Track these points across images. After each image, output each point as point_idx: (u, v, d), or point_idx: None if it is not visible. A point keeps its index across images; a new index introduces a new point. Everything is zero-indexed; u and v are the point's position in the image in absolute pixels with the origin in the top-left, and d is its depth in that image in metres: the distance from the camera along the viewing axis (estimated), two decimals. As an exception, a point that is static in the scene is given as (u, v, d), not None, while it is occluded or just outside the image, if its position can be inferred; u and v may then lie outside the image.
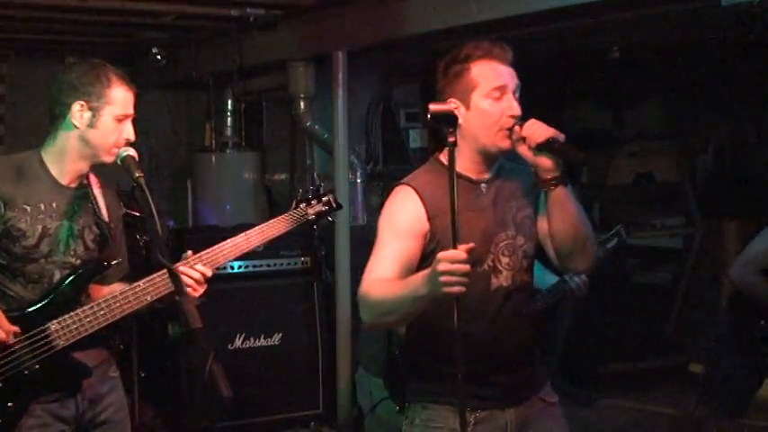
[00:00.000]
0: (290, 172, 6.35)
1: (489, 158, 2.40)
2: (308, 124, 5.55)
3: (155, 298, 2.63)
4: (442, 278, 2.05)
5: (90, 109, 2.59)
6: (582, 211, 2.37)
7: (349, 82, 4.89)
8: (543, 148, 2.24)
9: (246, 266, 4.92)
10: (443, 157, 2.43)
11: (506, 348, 2.40)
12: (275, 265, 5.02)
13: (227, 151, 6.28)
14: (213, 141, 6.42)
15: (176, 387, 4.87)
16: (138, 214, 3.06)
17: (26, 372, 2.50)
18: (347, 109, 4.94)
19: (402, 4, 4.38)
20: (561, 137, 2.24)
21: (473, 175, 2.40)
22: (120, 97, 2.63)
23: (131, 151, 2.65)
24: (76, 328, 2.53)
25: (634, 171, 7.36)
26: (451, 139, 2.19)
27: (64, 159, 2.63)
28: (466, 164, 2.39)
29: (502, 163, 2.45)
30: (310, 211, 2.95)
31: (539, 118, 2.31)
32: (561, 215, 2.33)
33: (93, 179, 2.75)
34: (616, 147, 7.09)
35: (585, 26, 4.33)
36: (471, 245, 2.13)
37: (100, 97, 2.60)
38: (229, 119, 6.39)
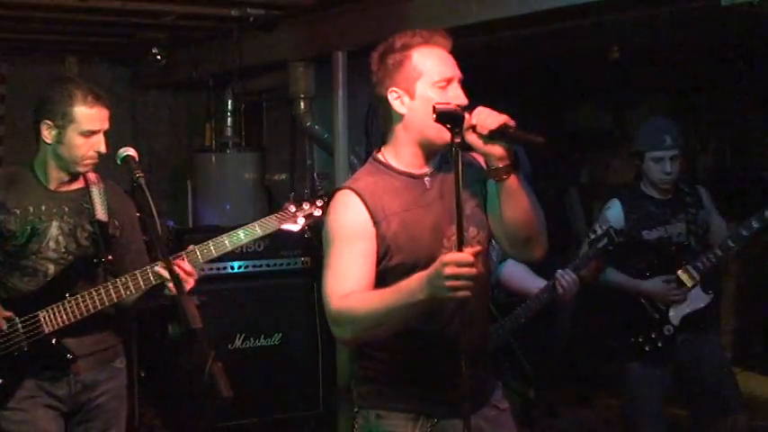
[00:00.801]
0: (290, 172, 6.35)
1: (431, 151, 2.31)
2: (307, 124, 5.56)
3: (135, 292, 2.83)
4: (449, 282, 1.97)
5: (56, 127, 2.81)
6: (534, 198, 2.28)
7: (349, 82, 4.89)
8: (496, 135, 2.13)
9: (246, 266, 4.92)
10: (382, 156, 2.37)
11: (465, 349, 2.25)
12: (275, 265, 5.02)
13: (227, 151, 6.28)
14: (213, 141, 6.43)
15: (176, 387, 4.87)
16: (138, 214, 3.11)
17: (16, 353, 2.80)
18: (347, 109, 4.94)
19: (402, 4, 4.39)
20: (512, 122, 2.14)
21: (415, 170, 2.33)
22: (83, 115, 2.78)
23: (131, 151, 2.77)
24: (61, 317, 2.80)
25: (634, 171, 7.37)
26: (458, 140, 2.11)
27: (46, 169, 2.88)
28: (407, 159, 2.32)
29: (443, 154, 2.33)
30: (299, 213, 2.96)
31: (524, 117, 2.26)
32: (515, 204, 2.23)
33: (93, 180, 2.89)
34: (616, 147, 7.09)
35: (585, 26, 4.33)
36: (478, 248, 2.08)
37: (64, 116, 2.79)
38: (229, 119, 6.38)
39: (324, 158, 5.86)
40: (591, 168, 7.56)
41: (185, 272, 2.74)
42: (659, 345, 3.83)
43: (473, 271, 1.99)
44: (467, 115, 2.16)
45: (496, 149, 2.17)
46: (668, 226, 3.90)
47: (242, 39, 5.57)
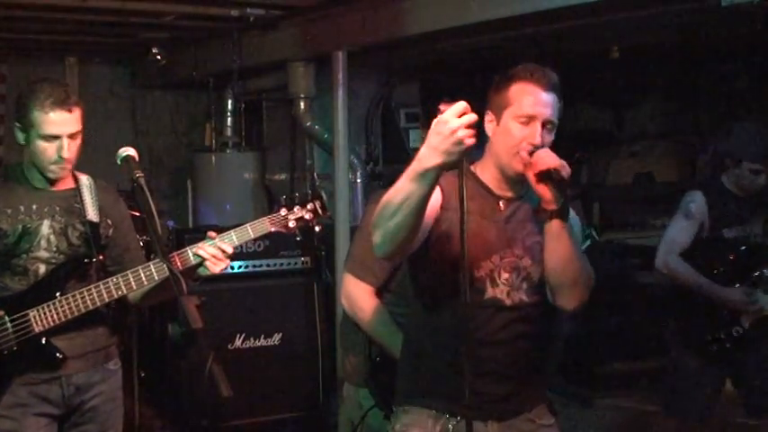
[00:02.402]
0: (290, 172, 6.35)
1: (508, 178, 2.38)
2: (308, 124, 5.56)
3: (126, 292, 2.81)
4: (461, 133, 1.97)
5: (22, 130, 2.79)
6: (578, 250, 2.34)
7: (349, 82, 4.89)
8: (543, 177, 2.23)
9: (246, 266, 4.91)
10: (473, 167, 2.42)
11: (494, 359, 2.36)
12: (275, 265, 5.01)
13: (227, 151, 6.28)
14: (213, 141, 6.43)
15: (176, 387, 4.87)
16: (137, 214, 3.09)
17: (5, 351, 2.76)
18: (347, 109, 4.94)
19: (402, 4, 4.39)
20: (566, 171, 2.21)
21: (495, 189, 2.40)
22: (42, 120, 2.74)
23: (131, 151, 2.77)
24: (52, 317, 2.77)
25: (634, 171, 7.37)
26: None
27: (31, 170, 2.86)
28: (489, 177, 2.40)
29: (528, 189, 2.37)
30: (291, 216, 2.95)
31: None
32: (554, 247, 2.31)
33: (83, 180, 2.91)
34: (616, 147, 7.10)
35: (585, 26, 4.33)
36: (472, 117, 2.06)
37: (26, 121, 2.77)
38: (229, 119, 6.39)
39: (324, 158, 5.86)
40: (591, 168, 7.56)
41: (223, 252, 2.80)
42: (727, 346, 3.77)
43: (473, 118, 2.01)
44: (527, 154, 2.26)
45: (544, 191, 2.24)
46: (747, 225, 3.83)
47: (242, 39, 5.57)
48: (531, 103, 2.30)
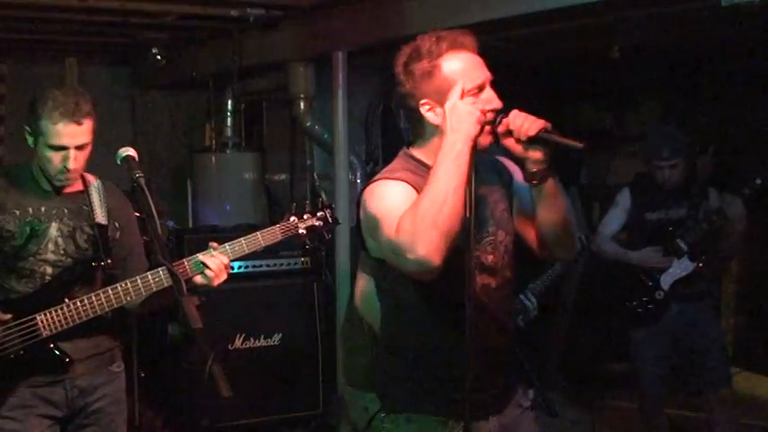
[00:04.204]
0: (290, 172, 6.36)
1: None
2: (308, 124, 5.56)
3: (135, 298, 2.79)
4: (474, 108, 2.02)
5: (31, 134, 2.79)
6: (567, 198, 2.28)
7: (349, 82, 4.89)
8: (536, 140, 2.11)
9: (246, 266, 4.92)
10: (416, 152, 2.29)
11: (492, 350, 2.28)
12: (275, 265, 5.02)
13: (227, 151, 6.28)
14: (213, 141, 6.43)
15: (176, 387, 4.87)
16: (137, 214, 3.08)
17: (12, 356, 2.74)
18: (347, 109, 4.94)
19: (402, 4, 4.39)
20: (550, 125, 2.12)
21: None
22: (50, 130, 2.72)
23: (131, 151, 2.75)
24: (59, 321, 2.75)
25: (634, 171, 7.36)
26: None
27: (39, 173, 2.85)
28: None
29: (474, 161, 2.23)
30: (301, 225, 2.92)
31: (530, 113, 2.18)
32: (551, 206, 2.23)
33: (92, 182, 2.86)
34: (616, 147, 7.09)
35: (585, 26, 4.33)
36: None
37: (35, 127, 2.76)
38: (229, 119, 6.39)
39: (324, 158, 5.86)
40: (591, 168, 7.55)
41: (224, 264, 2.78)
42: (649, 307, 4.26)
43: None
44: (504, 121, 2.13)
45: (536, 154, 2.15)
46: (670, 210, 4.29)
47: (242, 39, 5.57)
48: (472, 71, 2.17)
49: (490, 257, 2.28)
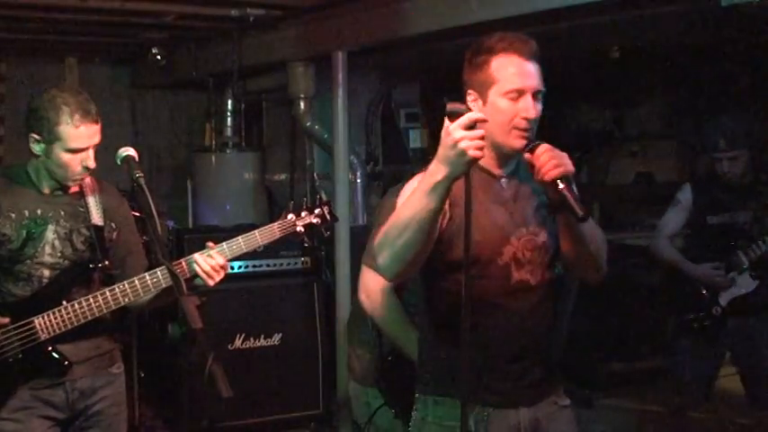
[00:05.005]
0: (290, 172, 6.35)
1: (505, 155, 2.31)
2: (308, 124, 5.56)
3: (133, 299, 2.78)
4: (464, 144, 1.94)
5: (42, 141, 2.73)
6: (593, 229, 2.31)
7: (349, 82, 4.89)
8: (548, 186, 2.15)
9: (246, 266, 4.92)
10: None
11: (524, 344, 2.34)
12: (275, 265, 5.02)
13: (227, 151, 6.28)
14: (213, 141, 6.43)
15: (176, 387, 4.87)
16: (137, 214, 3.08)
17: (10, 359, 2.74)
18: (347, 109, 4.94)
19: (402, 4, 4.39)
20: (571, 172, 2.13)
21: (492, 169, 2.33)
22: (68, 134, 2.71)
23: (131, 151, 2.74)
24: (58, 324, 2.75)
25: (634, 171, 7.37)
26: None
27: (39, 176, 2.82)
28: (485, 158, 2.25)
29: (520, 160, 2.32)
30: (299, 222, 2.92)
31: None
32: (568, 236, 2.30)
33: (88, 183, 2.86)
34: (616, 147, 7.09)
35: (585, 26, 4.33)
36: (481, 116, 2.04)
37: (49, 133, 2.71)
38: (229, 119, 6.39)
39: (324, 158, 5.86)
40: (591, 168, 7.56)
41: (220, 266, 2.77)
42: (706, 324, 4.04)
43: (481, 133, 1.98)
44: (527, 155, 2.17)
45: (548, 190, 2.20)
46: (734, 213, 4.03)
47: (242, 39, 5.57)
48: (517, 76, 2.22)
49: (528, 254, 2.33)
